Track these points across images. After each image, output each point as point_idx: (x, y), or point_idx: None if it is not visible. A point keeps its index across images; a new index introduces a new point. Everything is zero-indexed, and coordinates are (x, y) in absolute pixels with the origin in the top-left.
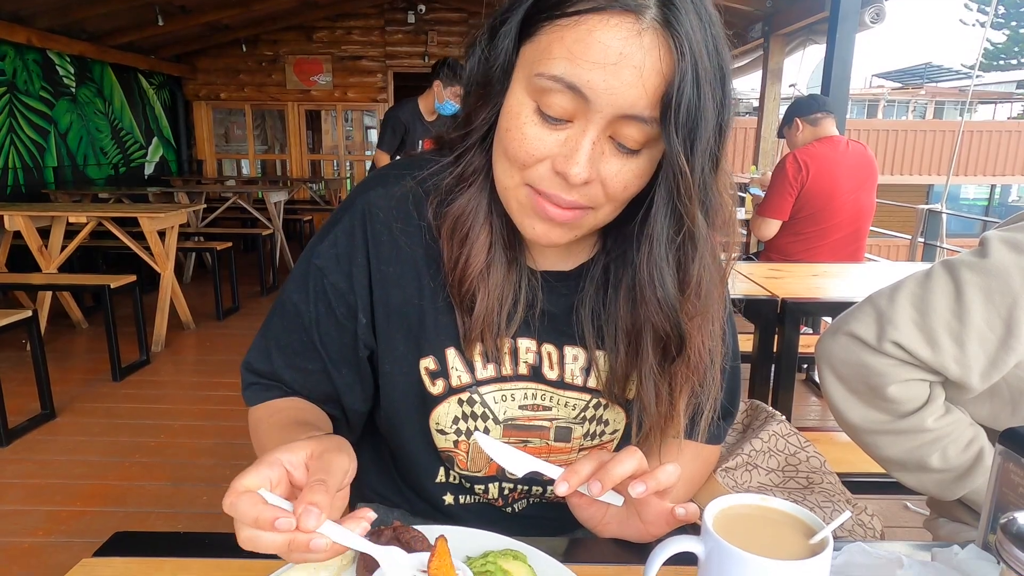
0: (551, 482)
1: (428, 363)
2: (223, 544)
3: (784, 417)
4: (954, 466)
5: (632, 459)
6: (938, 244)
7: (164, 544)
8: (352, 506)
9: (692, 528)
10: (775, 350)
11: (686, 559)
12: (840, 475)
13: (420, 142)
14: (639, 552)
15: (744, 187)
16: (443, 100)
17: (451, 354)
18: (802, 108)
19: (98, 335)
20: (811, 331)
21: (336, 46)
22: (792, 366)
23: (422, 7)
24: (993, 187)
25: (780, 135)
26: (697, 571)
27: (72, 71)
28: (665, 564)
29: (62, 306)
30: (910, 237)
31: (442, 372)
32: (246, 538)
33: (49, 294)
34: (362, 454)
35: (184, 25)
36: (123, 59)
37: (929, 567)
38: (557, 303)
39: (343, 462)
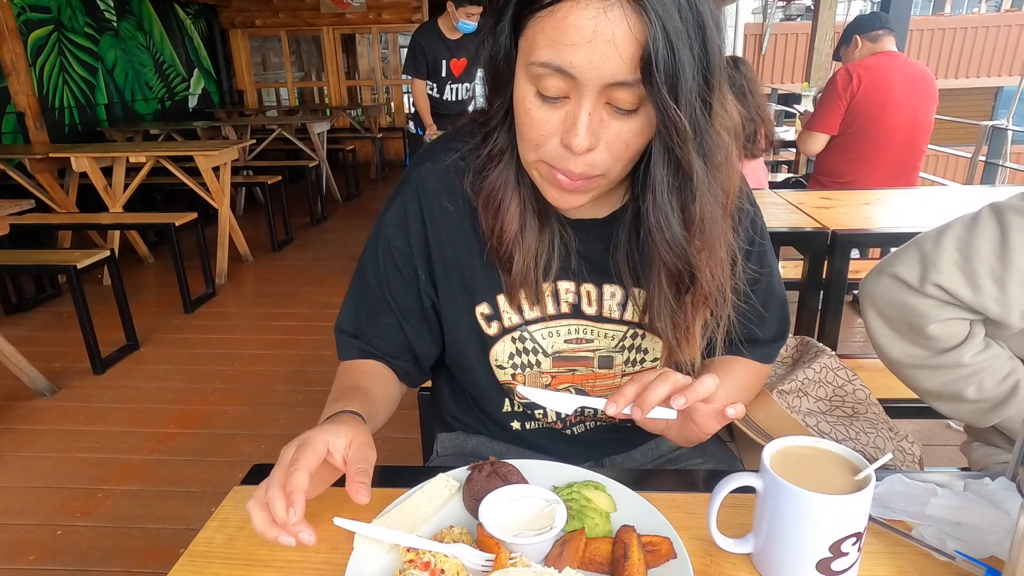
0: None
1: (483, 308)
2: None
3: (833, 352)
4: (989, 397)
5: (664, 384)
6: (1000, 163)
7: None
8: (432, 435)
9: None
10: (824, 278)
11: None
12: (883, 400)
13: (445, 62)
14: (706, 484)
15: (793, 104)
16: (457, 20)
17: (501, 300)
18: (864, 25)
19: (164, 268)
20: (858, 256)
21: None
22: (840, 295)
23: None
24: None
25: (836, 57)
26: (755, 501)
27: (112, 4)
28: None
29: (128, 241)
30: (970, 155)
31: (495, 315)
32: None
33: (118, 232)
34: (443, 390)
35: None
36: None
37: (959, 496)
38: (593, 247)
39: (373, 456)
